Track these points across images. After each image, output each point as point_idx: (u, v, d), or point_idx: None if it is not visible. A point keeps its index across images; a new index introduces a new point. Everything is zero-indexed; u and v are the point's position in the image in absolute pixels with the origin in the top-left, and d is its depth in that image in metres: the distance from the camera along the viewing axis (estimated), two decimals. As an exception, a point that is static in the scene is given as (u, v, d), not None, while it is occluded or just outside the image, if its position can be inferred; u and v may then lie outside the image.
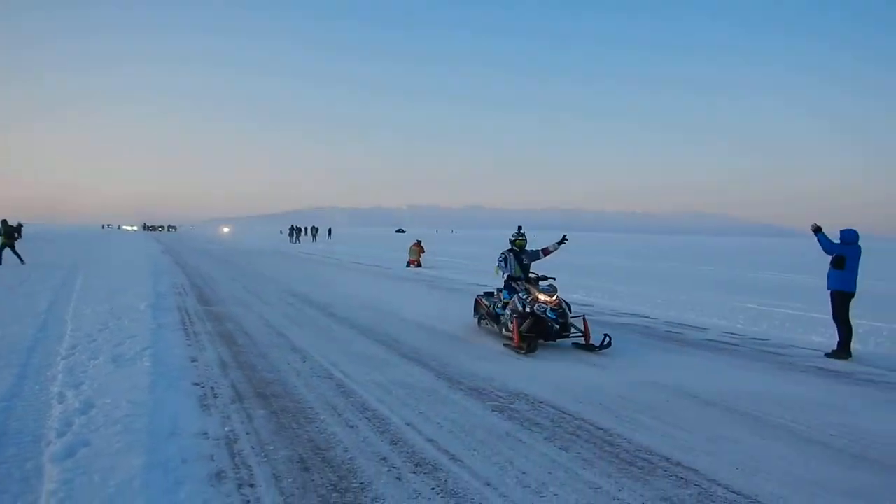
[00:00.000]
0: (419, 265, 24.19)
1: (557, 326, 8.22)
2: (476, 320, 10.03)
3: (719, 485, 3.99)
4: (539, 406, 5.71)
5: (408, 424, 5.08)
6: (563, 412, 5.53)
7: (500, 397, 5.98)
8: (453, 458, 4.37)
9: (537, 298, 8.37)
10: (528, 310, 8.32)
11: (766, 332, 10.15)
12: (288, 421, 5.10)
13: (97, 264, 22.04)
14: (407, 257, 25.11)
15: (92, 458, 4.12)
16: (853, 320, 8.45)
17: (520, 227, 9.96)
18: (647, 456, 4.48)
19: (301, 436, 4.75)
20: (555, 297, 8.41)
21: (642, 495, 3.82)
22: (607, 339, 8.28)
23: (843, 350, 8.30)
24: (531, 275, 9.32)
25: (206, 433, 4.76)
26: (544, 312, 8.23)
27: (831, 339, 8.74)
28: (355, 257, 30.75)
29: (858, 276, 8.52)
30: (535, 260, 9.53)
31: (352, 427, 4.98)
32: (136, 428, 4.71)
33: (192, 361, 7.17)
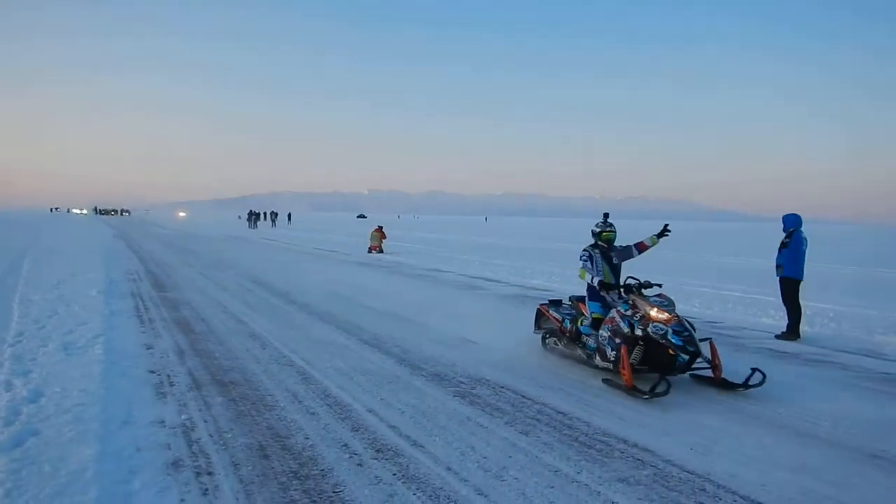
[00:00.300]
0: (381, 251, 24.05)
1: (686, 356, 5.78)
2: (540, 338, 7.73)
3: (674, 465, 4.08)
4: (500, 391, 5.75)
5: (369, 411, 5.07)
6: (523, 397, 5.57)
7: (462, 383, 5.99)
8: (415, 443, 4.38)
9: (649, 315, 5.99)
10: (638, 332, 6.00)
11: (719, 315, 10.36)
12: (247, 408, 5.04)
13: (45, 250, 21.34)
14: (368, 243, 24.96)
15: (41, 448, 4.01)
16: (802, 303, 8.68)
17: (606, 216, 7.42)
18: (605, 438, 4.55)
19: (260, 423, 4.70)
20: (674, 314, 5.99)
21: (600, 477, 3.88)
22: (758, 374, 5.87)
23: (792, 332, 8.53)
24: (630, 280, 6.62)
25: (162, 421, 4.68)
26: (664, 336, 5.80)
27: (781, 321, 8.97)
28: (315, 243, 30.46)
29: (805, 262, 8.74)
30: (626, 258, 7.12)
31: (312, 414, 4.95)
32: (87, 417, 4.60)
33: (148, 349, 7.04)
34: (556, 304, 7.63)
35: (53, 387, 5.27)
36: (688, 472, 3.97)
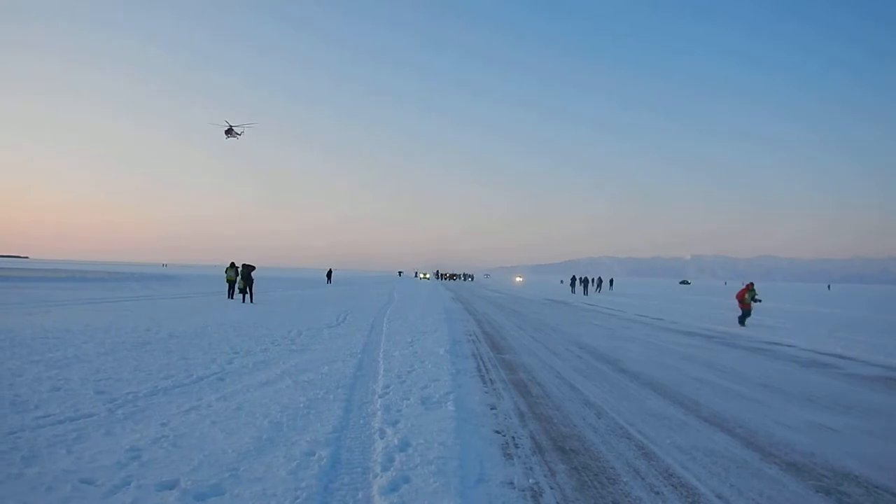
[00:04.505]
0: (747, 315, 21.33)
1: None
2: None
3: None
4: (875, 491, 4.92)
5: (719, 497, 4.69)
6: (908, 502, 4.69)
7: (824, 476, 5.26)
8: (777, 542, 3.92)
9: None
10: None
11: None
12: (590, 479, 5.02)
13: (399, 309, 24.33)
14: (685, 310, 23.63)
15: (413, 495, 4.45)
16: None
17: None
18: None
19: (605, 497, 4.64)
20: None
21: None
22: None
23: None
24: None
25: (511, 483, 4.89)
26: None
27: None
28: (637, 309, 29.83)
29: None
30: None
31: (657, 493, 4.73)
32: (447, 470, 5.00)
33: (492, 409, 7.46)
34: None
35: (418, 438, 5.88)
36: None
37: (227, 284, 28.24)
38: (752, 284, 22.75)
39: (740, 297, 21.90)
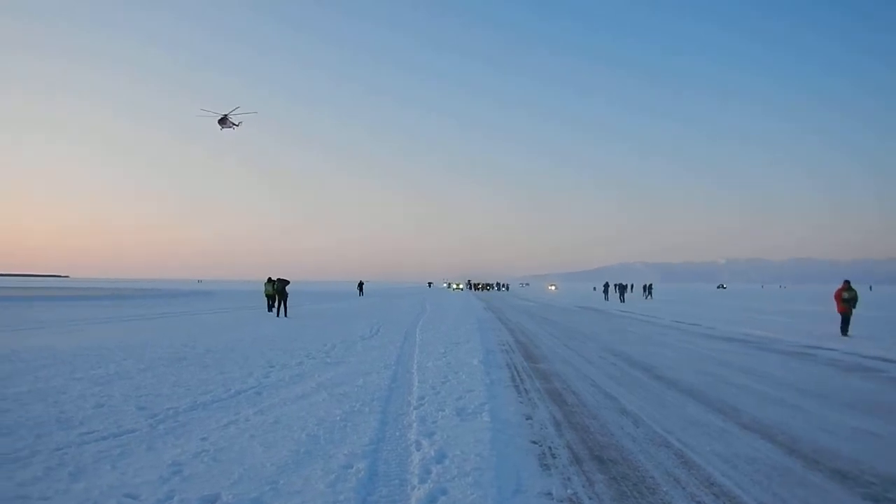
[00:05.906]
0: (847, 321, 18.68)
1: None
2: None
3: None
4: (930, 501, 4.78)
5: (762, 506, 4.61)
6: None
7: (873, 484, 5.12)
8: (826, 552, 3.83)
9: None
10: None
11: None
12: (629, 489, 4.96)
13: (431, 320, 24.35)
14: (722, 316, 23.24)
15: (451, 508, 4.46)
16: None
17: None
18: None
19: (645, 507, 4.59)
20: None
21: None
22: None
23: None
24: None
25: (549, 493, 4.85)
26: None
27: None
28: (673, 315, 29.42)
29: None
30: None
31: (698, 503, 4.66)
32: (484, 481, 4.99)
33: (527, 419, 7.42)
34: None
35: (454, 449, 5.88)
36: None
37: (266, 299, 29.02)
38: (848, 283, 19.92)
39: (837, 298, 19.49)
